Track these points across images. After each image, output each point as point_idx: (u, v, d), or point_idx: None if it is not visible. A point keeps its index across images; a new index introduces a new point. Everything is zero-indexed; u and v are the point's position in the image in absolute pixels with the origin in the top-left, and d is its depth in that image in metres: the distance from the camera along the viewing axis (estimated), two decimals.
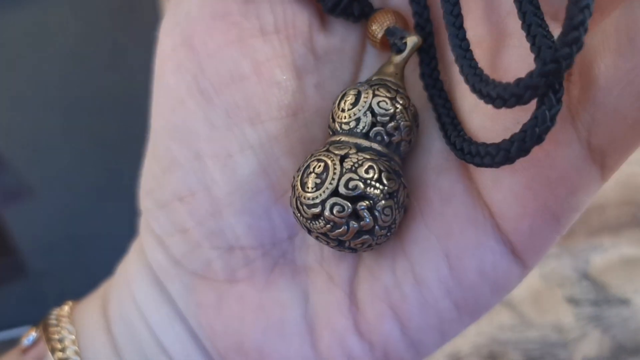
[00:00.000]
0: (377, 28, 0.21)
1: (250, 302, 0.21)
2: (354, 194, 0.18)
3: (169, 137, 0.21)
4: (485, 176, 0.19)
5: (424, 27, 0.21)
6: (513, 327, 0.35)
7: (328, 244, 0.20)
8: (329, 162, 0.19)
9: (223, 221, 0.21)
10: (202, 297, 0.22)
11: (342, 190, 0.18)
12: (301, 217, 0.19)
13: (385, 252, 0.21)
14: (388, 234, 0.19)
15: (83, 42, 0.40)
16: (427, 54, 0.21)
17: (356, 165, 0.19)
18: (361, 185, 0.18)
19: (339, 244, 0.19)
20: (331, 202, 0.19)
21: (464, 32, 0.19)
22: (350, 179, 0.18)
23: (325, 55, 0.22)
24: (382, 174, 0.19)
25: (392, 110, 0.19)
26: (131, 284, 0.23)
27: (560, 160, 0.18)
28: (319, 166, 0.19)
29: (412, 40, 0.21)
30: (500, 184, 0.19)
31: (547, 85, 0.15)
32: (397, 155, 0.20)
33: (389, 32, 0.21)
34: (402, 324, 0.20)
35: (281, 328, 0.21)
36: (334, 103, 0.21)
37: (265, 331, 0.21)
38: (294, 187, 0.20)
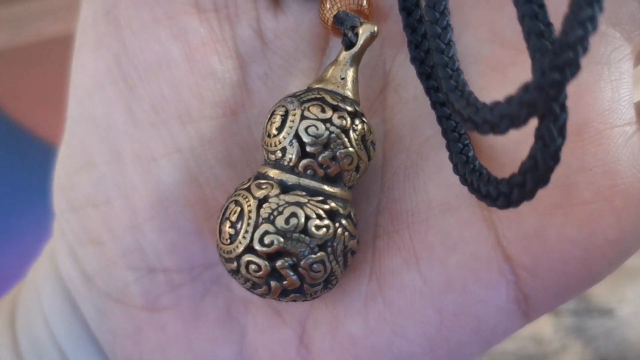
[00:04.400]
0: (329, 9, 0.17)
1: (175, 335, 0.19)
2: (270, 251, 0.15)
3: (84, 130, 0.18)
4: (515, 224, 0.16)
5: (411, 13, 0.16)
6: None
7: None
8: (245, 207, 0.16)
9: (143, 237, 0.18)
10: (117, 325, 0.19)
11: (257, 246, 0.15)
12: (225, 267, 0.17)
13: (355, 295, 0.17)
14: (329, 286, 0.16)
15: None
16: (416, 32, 0.16)
17: (275, 213, 0.15)
18: (280, 239, 0.15)
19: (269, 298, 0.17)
20: (246, 259, 0.15)
21: (451, 46, 0.15)
22: (266, 233, 0.15)
23: (276, 39, 0.18)
24: (309, 223, 0.15)
25: (324, 137, 0.16)
26: (41, 294, 0.20)
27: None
28: (235, 211, 0.16)
29: (366, 30, 0.16)
30: (540, 236, 0.15)
31: (547, 100, 0.12)
32: (339, 188, 0.16)
33: (337, 19, 0.17)
34: None
35: None
36: (265, 121, 0.17)
37: None
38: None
